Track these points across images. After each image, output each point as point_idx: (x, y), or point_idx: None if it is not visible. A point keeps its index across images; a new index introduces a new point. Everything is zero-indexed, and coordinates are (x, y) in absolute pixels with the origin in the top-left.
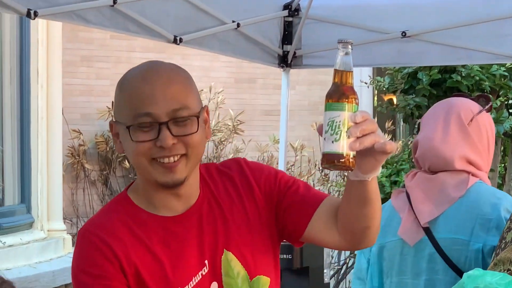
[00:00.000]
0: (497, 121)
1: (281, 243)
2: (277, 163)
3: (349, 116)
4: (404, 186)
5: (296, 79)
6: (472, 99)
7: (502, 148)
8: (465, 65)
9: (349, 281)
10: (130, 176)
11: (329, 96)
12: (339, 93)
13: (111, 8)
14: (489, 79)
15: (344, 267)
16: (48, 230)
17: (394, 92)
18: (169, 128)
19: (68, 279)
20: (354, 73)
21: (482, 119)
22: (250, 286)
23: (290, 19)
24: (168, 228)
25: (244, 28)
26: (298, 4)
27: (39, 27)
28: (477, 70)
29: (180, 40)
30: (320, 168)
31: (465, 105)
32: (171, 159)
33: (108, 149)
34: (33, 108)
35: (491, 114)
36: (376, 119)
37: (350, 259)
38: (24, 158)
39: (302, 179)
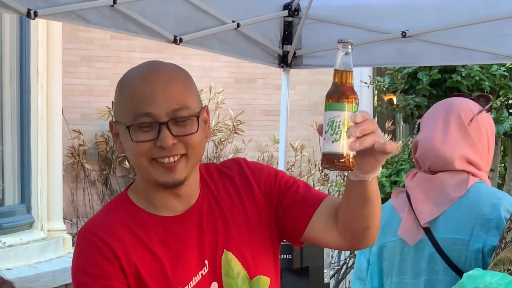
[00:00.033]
0: (497, 121)
1: (281, 243)
2: (277, 163)
3: (349, 116)
4: (404, 186)
5: (296, 79)
6: (472, 99)
7: (502, 148)
8: (465, 65)
9: (349, 281)
10: (130, 176)
11: (329, 96)
12: (339, 93)
13: (111, 8)
14: (489, 79)
15: (344, 267)
16: (48, 230)
17: (394, 92)
18: (169, 128)
19: (68, 279)
20: (354, 73)
21: (482, 119)
22: (250, 286)
23: (290, 19)
24: (168, 228)
25: (244, 28)
26: (298, 4)
27: (39, 27)
28: (477, 70)
29: (180, 40)
30: (320, 168)
31: (465, 105)
32: (171, 159)
33: (108, 149)
34: (33, 108)
35: (491, 114)
36: (376, 119)
37: (350, 259)
38: (24, 158)
39: (302, 179)
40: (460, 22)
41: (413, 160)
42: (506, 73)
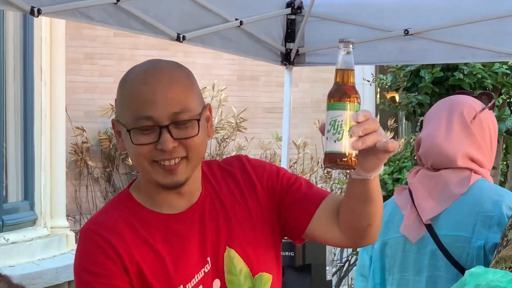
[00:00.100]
0: (499, 119)
1: (284, 240)
2: (280, 161)
3: (351, 115)
4: (406, 183)
5: (299, 77)
6: (475, 97)
7: (504, 146)
8: (467, 63)
9: (351, 278)
10: (133, 173)
11: (331, 95)
12: (341, 92)
13: (114, 5)
14: (491, 77)
15: (346, 264)
16: (51, 227)
17: (396, 90)
18: (170, 131)
19: (71, 276)
20: (357, 71)
21: (484, 117)
22: (253, 283)
23: (293, 17)
24: (170, 225)
25: (247, 26)
26: (301, 2)
27: (42, 24)
28: (479, 68)
29: (183, 37)
30: (323, 165)
31: (468, 103)
32: (172, 161)
33: (111, 146)
34: (37, 105)
35: (493, 112)
36: (378, 116)
37: (352, 257)
38: (28, 155)
39: (304, 177)
40: (463, 20)
41: (415, 158)
42: (508, 71)
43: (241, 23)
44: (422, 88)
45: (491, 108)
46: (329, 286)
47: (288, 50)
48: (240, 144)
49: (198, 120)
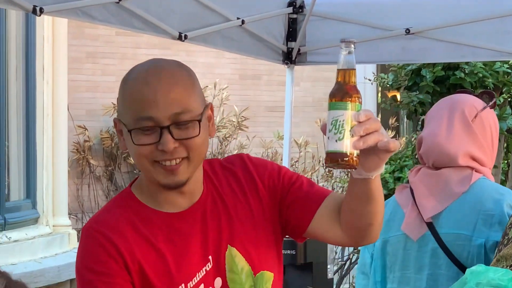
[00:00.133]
0: (500, 118)
1: (285, 239)
2: (281, 159)
3: (352, 115)
4: (408, 182)
5: (300, 76)
6: (476, 96)
7: (505, 145)
8: (468, 62)
9: (352, 277)
10: (135, 171)
11: (333, 95)
12: (342, 92)
13: (116, 4)
14: (492, 76)
15: (348, 262)
16: (53, 225)
17: (397, 89)
18: (171, 132)
19: (73, 274)
20: (358, 70)
21: (486, 116)
22: (254, 282)
23: (294, 16)
24: (172, 224)
25: (249, 25)
26: (303, 1)
27: (44, 23)
28: (480, 67)
29: (185, 36)
30: (324, 165)
31: (469, 102)
32: (173, 162)
33: (113, 145)
34: (39, 104)
35: (494, 110)
36: (379, 115)
37: (353, 255)
38: (30, 154)
39: (306, 175)
40: (464, 19)
41: (416, 157)
42: (509, 70)
43: (242, 22)
44: (423, 87)
45: (492, 107)
46: (330, 284)
47: (290, 49)
48: (241, 142)
49: (199, 121)
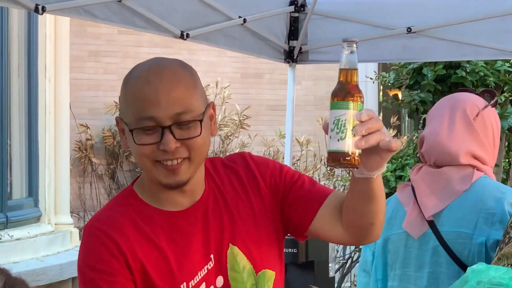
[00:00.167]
0: (501, 116)
1: (287, 237)
2: (283, 158)
3: (354, 114)
4: (409, 180)
5: (302, 74)
6: (478, 94)
7: (507, 143)
8: (469, 60)
9: (354, 275)
10: (137, 170)
11: (335, 94)
12: (344, 91)
13: (118, 3)
14: (494, 75)
15: (349, 261)
16: (55, 224)
17: (399, 88)
18: (172, 132)
19: (76, 273)
20: (360, 68)
21: (487, 114)
22: (256, 280)
23: (296, 14)
24: (174, 223)
25: (251, 23)
26: (304, 0)
27: (47, 22)
28: (481, 65)
29: (187, 35)
30: (326, 164)
31: (471, 100)
32: (174, 161)
33: (115, 143)
34: (41, 102)
35: (496, 109)
36: (381, 114)
37: (355, 253)
38: (32, 152)
39: (307, 174)
40: (465, 18)
41: (418, 155)
42: (511, 69)
43: (244, 21)
44: (424, 85)
45: (494, 106)
46: (332, 282)
47: (291, 48)
48: (243, 141)
49: (201, 121)
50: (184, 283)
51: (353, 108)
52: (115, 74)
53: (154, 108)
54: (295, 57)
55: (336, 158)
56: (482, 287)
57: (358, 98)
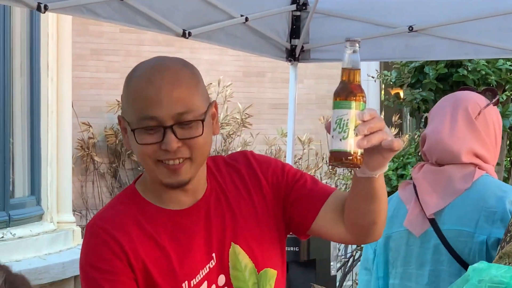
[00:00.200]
0: (503, 115)
1: (288, 235)
2: (285, 157)
3: (356, 114)
4: (411, 179)
5: (304, 73)
6: (479, 93)
7: (508, 142)
8: (471, 59)
9: (355, 274)
10: (139, 168)
11: (337, 94)
12: (347, 91)
13: (120, 2)
14: (495, 74)
15: (351, 259)
16: (57, 222)
17: (401, 86)
18: (174, 131)
19: (78, 271)
20: (361, 67)
21: (489, 113)
22: (257, 279)
23: (298, 13)
24: (176, 221)
25: (253, 22)
26: None
27: (49, 20)
28: (483, 64)
29: (189, 34)
30: (328, 163)
31: (472, 99)
32: (176, 161)
33: (117, 142)
34: (43, 101)
35: (497, 108)
36: (383, 113)
37: (356, 252)
38: (34, 150)
39: (309, 173)
40: (467, 16)
41: (419, 154)
42: None
43: (246, 19)
44: (426, 84)
45: (496, 104)
46: (334, 281)
47: (293, 46)
48: (245, 140)
49: (203, 120)
50: (186, 282)
51: (356, 107)
52: (117, 72)
53: (156, 108)
54: (297, 56)
55: (338, 158)
56: (483, 286)
57: (361, 97)
